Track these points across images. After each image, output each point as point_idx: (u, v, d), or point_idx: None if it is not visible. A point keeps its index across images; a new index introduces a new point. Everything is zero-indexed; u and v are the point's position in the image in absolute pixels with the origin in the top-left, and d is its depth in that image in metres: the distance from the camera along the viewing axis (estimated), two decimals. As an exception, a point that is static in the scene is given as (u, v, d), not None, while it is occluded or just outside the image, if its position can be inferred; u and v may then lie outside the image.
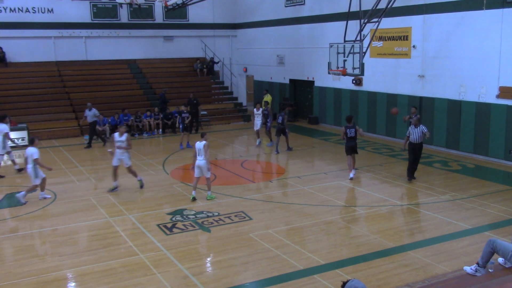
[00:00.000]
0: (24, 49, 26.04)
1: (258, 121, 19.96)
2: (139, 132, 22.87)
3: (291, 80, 26.76)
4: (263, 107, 20.16)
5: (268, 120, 19.60)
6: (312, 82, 25.02)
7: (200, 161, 12.31)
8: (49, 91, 24.80)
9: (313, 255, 9.18)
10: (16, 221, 11.41)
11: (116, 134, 13.57)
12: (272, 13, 27.39)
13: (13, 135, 20.22)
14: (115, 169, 13.52)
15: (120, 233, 10.46)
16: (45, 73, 25.89)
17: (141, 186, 13.82)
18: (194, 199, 12.52)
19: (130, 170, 13.75)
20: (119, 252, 9.50)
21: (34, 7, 26.13)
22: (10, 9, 25.64)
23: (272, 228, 10.57)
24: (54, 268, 8.86)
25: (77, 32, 27.10)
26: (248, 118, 26.41)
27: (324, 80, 23.54)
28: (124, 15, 28.24)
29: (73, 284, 8.45)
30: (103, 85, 26.21)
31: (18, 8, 25.84)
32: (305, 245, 9.74)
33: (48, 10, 26.50)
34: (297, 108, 26.44)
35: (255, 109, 19.99)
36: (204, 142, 12.34)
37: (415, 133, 13.81)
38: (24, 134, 20.57)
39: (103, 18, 27.80)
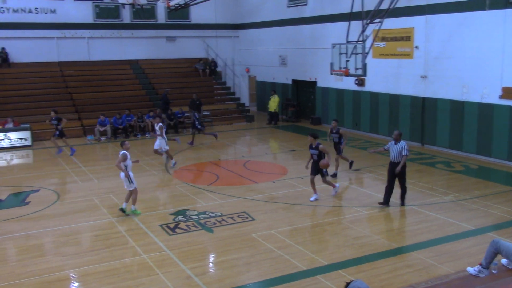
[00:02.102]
0: (27, 50, 26.08)
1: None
2: (142, 132, 22.87)
3: (293, 81, 26.76)
4: (333, 125, 15.07)
5: (341, 141, 15.00)
6: (315, 83, 25.01)
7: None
8: (51, 92, 24.84)
9: (316, 256, 9.17)
10: (20, 221, 11.42)
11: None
12: (274, 13, 27.40)
13: (16, 135, 20.35)
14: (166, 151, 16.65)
15: (123, 233, 10.47)
16: (48, 74, 25.94)
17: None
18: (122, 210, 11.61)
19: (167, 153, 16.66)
20: (122, 252, 9.50)
21: (37, 8, 26.18)
22: (13, 9, 25.69)
23: (274, 229, 10.56)
24: (57, 268, 8.87)
25: (79, 32, 27.13)
26: (250, 118, 26.43)
27: (327, 80, 23.52)
28: (126, 16, 28.28)
29: (76, 284, 8.46)
30: (105, 85, 26.25)
31: (21, 9, 25.89)
32: (307, 245, 9.73)
33: (50, 10, 26.54)
34: (299, 109, 26.44)
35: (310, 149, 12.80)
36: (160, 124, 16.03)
37: (393, 150, 11.68)
38: (27, 134, 20.59)
39: (106, 19, 27.84)
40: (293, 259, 9.01)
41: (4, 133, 20.15)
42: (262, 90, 29.11)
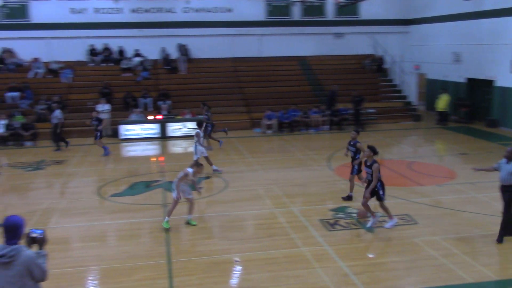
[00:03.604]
0: (205, 46, 28.19)
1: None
2: (306, 127, 23.30)
3: (468, 79, 24.93)
4: (353, 136, 12.62)
5: (357, 157, 12.44)
6: (491, 82, 23.02)
7: None
8: (225, 86, 26.50)
9: (485, 269, 8.49)
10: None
11: None
12: (449, 7, 25.76)
13: (192, 125, 22.14)
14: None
15: (284, 225, 10.81)
16: (222, 69, 27.75)
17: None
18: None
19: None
20: (282, 243, 9.82)
21: (215, 7, 28.17)
22: (195, 9, 28.00)
23: (438, 235, 10.01)
24: (223, 251, 9.50)
25: (252, 30, 28.52)
26: (417, 117, 25.33)
27: (507, 79, 21.49)
28: (296, 13, 28.99)
29: (238, 268, 8.97)
30: (273, 80, 27.23)
31: (202, 8, 28.09)
32: (476, 257, 9.05)
33: (227, 9, 28.35)
34: (473, 109, 24.57)
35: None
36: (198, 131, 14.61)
37: (504, 170, 9.52)
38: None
39: (277, 16, 28.88)
40: (459, 270, 8.46)
41: (182, 123, 22.11)
42: (432, 88, 27.61)
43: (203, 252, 9.43)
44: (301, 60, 29.05)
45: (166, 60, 27.19)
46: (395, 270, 8.61)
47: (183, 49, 27.53)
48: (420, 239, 9.79)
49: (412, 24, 29.63)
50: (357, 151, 12.27)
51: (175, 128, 22.07)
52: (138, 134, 21.69)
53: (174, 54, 27.59)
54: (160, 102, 23.83)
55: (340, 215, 11.31)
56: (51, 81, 25.67)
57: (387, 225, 10.39)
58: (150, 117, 22.15)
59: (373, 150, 10.30)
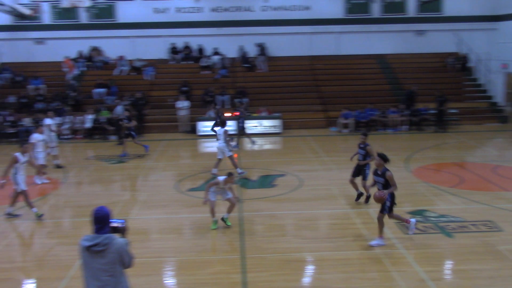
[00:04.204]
0: (282, 44, 28.26)
1: None
2: (384, 127, 22.77)
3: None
4: (362, 140, 12.43)
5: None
6: None
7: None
8: (301, 84, 26.45)
9: None
10: (267, 202, 12.56)
11: None
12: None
13: (268, 122, 22.31)
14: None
15: (358, 226, 10.63)
16: (299, 67, 27.68)
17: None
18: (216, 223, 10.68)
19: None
20: (356, 244, 9.67)
21: (293, 5, 28.15)
22: (273, 7, 28.14)
23: (526, 244, 9.45)
24: (296, 249, 9.50)
25: (330, 27, 28.22)
26: (504, 119, 24.00)
27: None
28: (376, 10, 28.37)
29: (312, 267, 8.94)
30: (351, 79, 26.83)
31: (280, 7, 28.18)
32: None
33: (305, 7, 28.25)
34: None
35: None
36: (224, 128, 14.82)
37: None
38: (278, 122, 22.41)
39: (356, 14, 28.40)
40: (547, 282, 7.95)
41: (258, 120, 22.33)
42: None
43: (276, 249, 9.48)
44: (380, 59, 28.38)
45: (244, 58, 27.55)
46: (476, 279, 8.21)
47: (261, 48, 27.77)
48: (504, 247, 9.28)
49: (499, 20, 28.05)
50: (366, 155, 11.99)
51: (251, 125, 22.32)
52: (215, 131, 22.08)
53: (252, 52, 27.90)
54: (237, 100, 24.20)
55: (418, 218, 10.95)
56: (134, 78, 26.80)
57: (373, 242, 9.47)
58: (227, 114, 22.53)
59: (383, 158, 9.64)
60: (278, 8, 28.16)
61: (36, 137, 14.45)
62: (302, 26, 28.01)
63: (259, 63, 27.32)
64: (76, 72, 26.56)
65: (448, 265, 8.96)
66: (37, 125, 15.80)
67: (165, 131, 22.63)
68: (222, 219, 10.72)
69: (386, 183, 9.51)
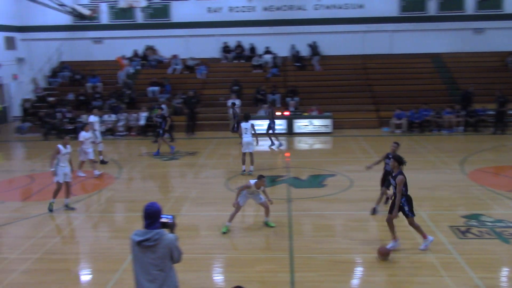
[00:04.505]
0: (335, 43, 27.99)
1: None
2: (438, 128, 22.15)
3: None
4: (393, 149, 11.38)
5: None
6: None
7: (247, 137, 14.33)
8: (353, 83, 26.12)
9: None
10: (316, 201, 12.48)
11: None
12: None
13: (318, 122, 22.19)
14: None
15: (410, 228, 10.34)
16: (351, 66, 27.34)
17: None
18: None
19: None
20: (407, 247, 9.44)
21: (346, 4, 27.83)
22: (326, 6, 27.94)
23: None
24: (345, 250, 9.39)
25: (384, 26, 27.72)
26: None
27: None
28: (432, 8, 27.62)
29: (360, 269, 8.82)
30: (404, 78, 26.25)
31: (333, 5, 27.92)
32: None
33: (359, 6, 27.86)
34: None
35: None
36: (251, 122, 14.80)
37: None
38: (328, 122, 22.22)
39: (411, 12, 27.76)
40: None
41: (309, 120, 22.22)
42: None
43: (325, 249, 9.41)
44: (435, 58, 27.62)
45: (296, 57, 27.47)
46: (534, 287, 7.87)
47: (314, 47, 27.63)
48: None
49: None
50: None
51: (302, 124, 22.24)
52: (265, 130, 22.13)
53: (303, 51, 27.79)
54: (288, 99, 24.17)
55: (473, 222, 10.60)
56: (187, 76, 27.26)
57: (422, 246, 9.22)
58: (278, 113, 22.54)
59: (398, 160, 9.21)
60: (330, 7, 27.92)
61: (83, 135, 15.05)
62: (355, 24, 27.65)
63: (314, 62, 27.14)
64: (130, 70, 27.29)
65: (505, 272, 8.62)
66: (84, 123, 16.37)
67: (216, 130, 22.90)
68: (265, 223, 10.73)
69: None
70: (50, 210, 11.85)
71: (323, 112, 22.83)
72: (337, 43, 28.02)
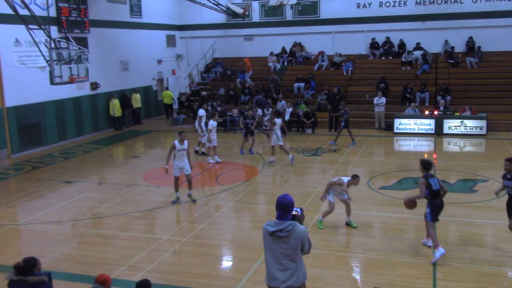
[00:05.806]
0: (495, 38, 25.83)
1: None
2: None
3: None
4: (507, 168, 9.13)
5: None
6: None
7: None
8: (512, 82, 23.93)
9: None
10: (464, 208, 11.73)
11: None
12: None
13: (471, 123, 20.71)
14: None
15: None
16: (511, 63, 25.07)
17: None
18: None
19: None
20: None
21: (510, -5, 25.52)
22: (486, -1, 25.91)
23: None
24: (495, 262, 8.72)
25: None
26: None
27: None
28: None
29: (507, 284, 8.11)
30: None
31: (494, -3, 25.80)
32: None
33: (524, -3, 25.36)
34: None
35: None
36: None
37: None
38: (483, 123, 20.59)
39: None
40: None
41: (460, 120, 20.83)
42: None
43: (472, 260, 8.81)
44: None
45: (449, 54, 25.89)
46: None
47: (471, 42, 25.86)
48: None
49: None
50: None
51: (453, 125, 20.92)
52: (412, 129, 21.33)
53: (458, 47, 26.12)
54: (439, 97, 22.92)
55: None
56: (333, 73, 27.18)
57: (434, 258, 8.69)
58: (426, 112, 21.49)
59: (422, 164, 9.04)
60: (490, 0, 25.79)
61: (211, 123, 16.81)
62: (518, 18, 25.23)
63: (472, 60, 25.35)
64: (278, 66, 28.04)
65: None
66: (213, 113, 17.75)
67: (361, 127, 22.50)
68: (347, 223, 10.57)
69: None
70: (194, 200, 12.67)
71: (477, 113, 21.24)
72: (497, 38, 25.81)
